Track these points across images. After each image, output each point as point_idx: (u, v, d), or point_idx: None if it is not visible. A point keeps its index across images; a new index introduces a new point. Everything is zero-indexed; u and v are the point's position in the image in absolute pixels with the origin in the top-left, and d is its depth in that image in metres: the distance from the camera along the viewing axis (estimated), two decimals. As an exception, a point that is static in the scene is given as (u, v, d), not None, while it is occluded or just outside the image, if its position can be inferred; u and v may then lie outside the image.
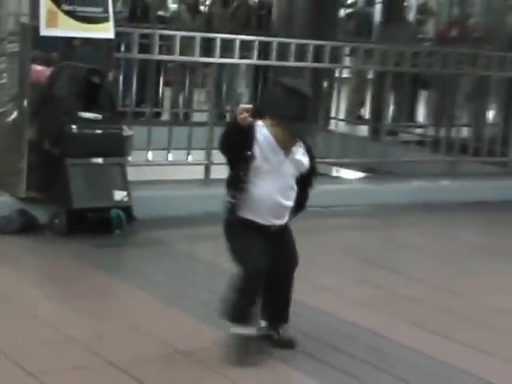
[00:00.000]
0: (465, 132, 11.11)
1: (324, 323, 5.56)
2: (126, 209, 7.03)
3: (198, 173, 8.50)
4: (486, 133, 11.12)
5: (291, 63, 9.11)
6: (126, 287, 6.06)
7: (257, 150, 4.83)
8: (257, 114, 4.85)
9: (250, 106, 4.80)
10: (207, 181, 8.48)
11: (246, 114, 4.69)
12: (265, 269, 4.81)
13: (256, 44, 8.87)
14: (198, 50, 8.44)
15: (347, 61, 11.20)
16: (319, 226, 8.11)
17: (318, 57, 9.26)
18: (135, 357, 4.77)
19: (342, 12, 15.09)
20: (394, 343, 5.29)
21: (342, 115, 13.04)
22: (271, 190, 4.90)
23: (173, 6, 14.73)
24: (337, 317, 5.65)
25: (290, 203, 4.99)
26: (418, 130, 12.84)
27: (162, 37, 8.47)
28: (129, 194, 7.09)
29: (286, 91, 4.89)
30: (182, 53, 8.51)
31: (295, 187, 5.01)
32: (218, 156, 8.45)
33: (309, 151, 5.05)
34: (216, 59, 8.68)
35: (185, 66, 11.32)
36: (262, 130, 4.85)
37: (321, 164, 10.10)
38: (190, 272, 6.58)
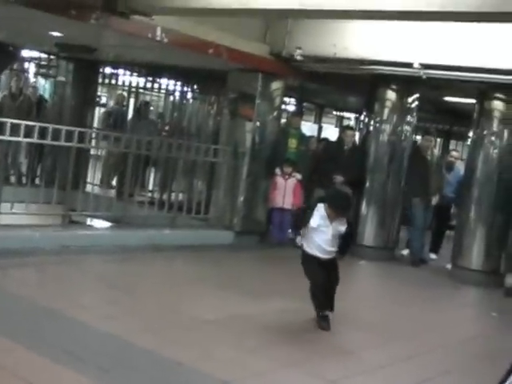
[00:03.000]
0: (181, 196, 11.27)
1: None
2: None
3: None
4: (195, 197, 11.32)
5: (61, 143, 8.94)
6: None
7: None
8: (320, 200, 6.51)
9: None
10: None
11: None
12: (323, 281, 6.48)
13: (36, 128, 8.65)
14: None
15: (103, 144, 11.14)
16: (77, 259, 7.99)
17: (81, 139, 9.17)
18: None
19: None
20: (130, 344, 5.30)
21: (96, 181, 12.97)
22: (321, 241, 6.42)
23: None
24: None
25: (333, 249, 6.49)
26: (149, 194, 12.89)
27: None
28: None
29: (340, 193, 6.99)
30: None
31: (337, 239, 6.46)
32: (5, 207, 8.24)
33: (348, 223, 6.53)
34: (5, 137, 8.37)
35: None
36: (321, 208, 6.34)
37: (79, 216, 10.12)
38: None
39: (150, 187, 13.48)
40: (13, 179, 11.28)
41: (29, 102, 13.10)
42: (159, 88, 14.43)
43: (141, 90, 14.56)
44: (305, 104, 16.58)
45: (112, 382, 4.47)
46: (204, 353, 5.33)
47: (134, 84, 14.23)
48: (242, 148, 10.89)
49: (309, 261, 6.52)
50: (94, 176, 12.88)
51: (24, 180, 12.21)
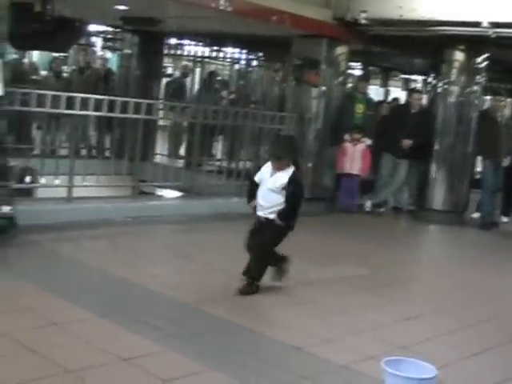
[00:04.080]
0: (248, 164, 11.29)
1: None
2: (10, 219, 6.81)
3: (63, 192, 8.28)
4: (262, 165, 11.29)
5: (130, 115, 9.04)
6: (8, 276, 5.77)
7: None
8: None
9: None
10: (70, 198, 8.28)
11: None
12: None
13: (105, 101, 8.77)
14: (64, 104, 8.28)
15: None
16: (147, 230, 8.10)
17: (148, 111, 9.24)
18: (24, 326, 4.61)
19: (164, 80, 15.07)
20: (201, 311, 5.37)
21: (165, 152, 13.08)
22: (259, 195, 5.83)
23: (43, 73, 14.33)
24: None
25: (267, 204, 5.81)
26: (217, 163, 12.94)
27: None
28: (12, 208, 6.86)
29: (276, 136, 6.68)
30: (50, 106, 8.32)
31: (279, 197, 5.74)
32: (78, 180, 8.41)
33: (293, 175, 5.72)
34: (75, 111, 8.51)
35: (52, 115, 11.03)
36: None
37: (149, 186, 10.25)
38: (55, 265, 6.42)
39: (218, 156, 13.54)
40: (83, 152, 11.48)
41: (96, 75, 13.29)
42: (224, 57, 14.44)
43: (206, 60, 14.57)
44: (370, 68, 16.36)
45: (182, 348, 4.55)
46: (271, 320, 5.36)
47: (198, 54, 14.25)
48: (308, 114, 10.84)
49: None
50: (162, 147, 12.99)
51: (94, 153, 12.42)
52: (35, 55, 13.40)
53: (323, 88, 10.82)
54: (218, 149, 13.72)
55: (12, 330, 4.49)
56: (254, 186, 5.92)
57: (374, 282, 6.97)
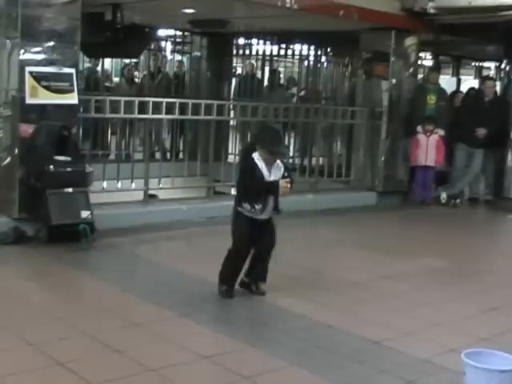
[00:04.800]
0: (321, 160, 11.27)
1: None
2: (90, 223, 6.96)
3: (139, 196, 8.45)
4: (335, 161, 11.30)
5: (201, 117, 9.16)
6: (91, 279, 6.02)
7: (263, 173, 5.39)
8: (252, 148, 5.51)
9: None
10: (145, 201, 8.45)
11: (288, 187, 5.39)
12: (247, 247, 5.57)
13: (177, 104, 8.90)
14: (136, 109, 8.44)
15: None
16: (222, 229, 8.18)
17: (219, 111, 9.34)
18: (107, 327, 4.75)
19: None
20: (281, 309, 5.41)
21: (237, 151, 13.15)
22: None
23: (115, 79, 14.63)
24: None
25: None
26: (290, 160, 12.92)
27: (110, 101, 8.44)
28: (91, 213, 7.02)
29: (265, 128, 6.00)
30: (124, 112, 8.50)
31: None
32: (153, 183, 8.56)
33: (285, 167, 5.55)
34: (148, 115, 8.66)
35: (125, 120, 11.25)
36: (257, 157, 5.38)
37: (224, 186, 10.34)
38: (134, 266, 6.57)
39: (291, 153, 13.55)
40: (158, 155, 11.66)
41: (167, 79, 13.47)
42: (292, 54, 14.44)
43: (275, 58, 14.59)
44: (441, 57, 16.10)
45: (262, 345, 4.59)
46: (351, 314, 5.36)
47: (267, 52, 14.28)
48: (379, 108, 10.77)
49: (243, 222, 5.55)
50: (234, 146, 13.07)
51: (168, 155, 12.59)
52: (107, 63, 13.65)
53: (393, 80, 10.73)
54: (290, 146, 13.71)
55: (96, 331, 4.62)
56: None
57: (454, 273, 6.88)
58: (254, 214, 5.48)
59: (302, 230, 8.72)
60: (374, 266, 6.94)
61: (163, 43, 14.31)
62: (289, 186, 5.44)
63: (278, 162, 5.53)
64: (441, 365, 4.41)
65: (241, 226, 5.52)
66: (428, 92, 10.96)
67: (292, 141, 13.55)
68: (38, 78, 6.94)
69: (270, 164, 5.43)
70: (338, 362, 4.41)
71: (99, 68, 13.25)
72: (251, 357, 4.44)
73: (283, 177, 5.49)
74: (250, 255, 5.61)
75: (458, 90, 13.82)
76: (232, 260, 5.55)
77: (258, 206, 5.44)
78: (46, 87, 6.97)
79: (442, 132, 10.68)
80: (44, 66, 7.04)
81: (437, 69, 12.64)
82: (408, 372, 4.29)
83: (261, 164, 5.40)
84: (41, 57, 7.06)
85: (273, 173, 5.44)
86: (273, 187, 5.41)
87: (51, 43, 7.11)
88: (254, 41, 13.99)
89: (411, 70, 11.04)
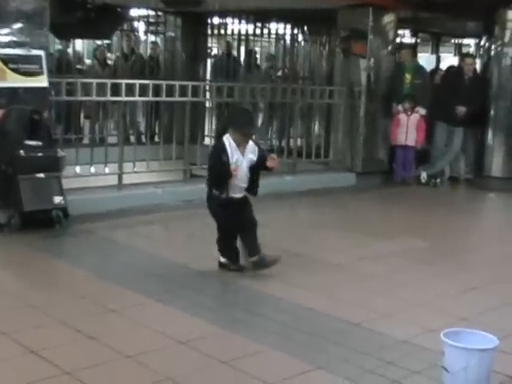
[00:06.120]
0: (299, 141, 11.26)
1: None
2: (63, 209, 6.96)
3: (113, 180, 8.42)
4: (314, 141, 11.33)
5: (176, 98, 9.12)
6: (66, 265, 6.00)
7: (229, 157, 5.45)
8: (223, 131, 5.57)
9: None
10: (120, 186, 8.43)
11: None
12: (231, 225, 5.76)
13: (150, 86, 8.86)
14: (108, 92, 8.39)
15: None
16: (200, 213, 8.19)
17: (194, 93, 9.30)
18: (82, 314, 4.74)
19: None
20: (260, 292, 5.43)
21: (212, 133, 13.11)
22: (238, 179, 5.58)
23: (87, 61, 14.51)
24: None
25: (245, 185, 5.69)
26: (268, 141, 12.90)
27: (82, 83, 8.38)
28: (64, 198, 6.99)
29: (237, 109, 6.23)
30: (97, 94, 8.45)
31: (248, 174, 5.65)
32: (128, 167, 8.53)
33: (259, 148, 5.70)
34: (121, 98, 8.62)
35: (98, 103, 11.18)
36: (227, 140, 5.46)
37: (201, 169, 10.31)
38: (110, 252, 6.55)
39: (269, 135, 13.54)
40: (132, 139, 11.61)
41: (141, 60, 13.39)
42: (269, 33, 14.39)
43: (251, 38, 14.52)
44: (420, 35, 16.13)
45: (240, 328, 4.61)
46: (329, 296, 5.39)
47: (243, 32, 14.22)
48: (358, 87, 10.78)
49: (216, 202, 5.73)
50: (210, 128, 13.04)
51: (143, 139, 12.55)
52: (79, 44, 13.55)
53: (372, 59, 10.73)
54: (268, 127, 13.70)
55: (71, 318, 4.61)
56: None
57: (434, 253, 6.94)
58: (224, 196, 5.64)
59: (281, 212, 8.74)
60: (354, 247, 6.97)
61: (136, 23, 14.22)
62: (275, 158, 5.70)
63: (251, 143, 5.57)
64: (420, 345, 4.45)
65: (215, 206, 5.74)
66: (404, 70, 10.97)
67: (270, 122, 13.55)
68: (5, 60, 6.89)
69: (241, 145, 5.51)
70: (318, 344, 4.44)
71: (70, 50, 13.12)
72: (229, 341, 4.46)
73: (260, 157, 5.59)
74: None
75: (438, 68, 13.87)
76: (221, 237, 5.84)
77: (222, 191, 5.61)
78: (14, 70, 6.92)
79: (422, 111, 10.72)
80: (12, 48, 6.98)
81: (409, 46, 12.64)
82: (388, 353, 4.32)
83: (231, 147, 5.48)
84: (8, 38, 7.01)
85: (246, 155, 5.53)
86: (227, 172, 5.48)
87: (19, 24, 7.06)
88: (230, 20, 13.93)
89: (390, 48, 11.04)
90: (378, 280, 5.90)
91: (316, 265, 6.24)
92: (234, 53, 14.57)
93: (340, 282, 5.81)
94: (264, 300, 5.26)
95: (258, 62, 15.56)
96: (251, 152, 5.61)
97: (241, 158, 5.57)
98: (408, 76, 10.94)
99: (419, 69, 11.39)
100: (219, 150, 5.55)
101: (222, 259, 5.87)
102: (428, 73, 11.84)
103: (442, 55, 17.68)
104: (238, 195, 5.73)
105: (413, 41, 15.49)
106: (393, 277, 6.03)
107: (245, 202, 5.80)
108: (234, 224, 5.74)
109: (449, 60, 17.13)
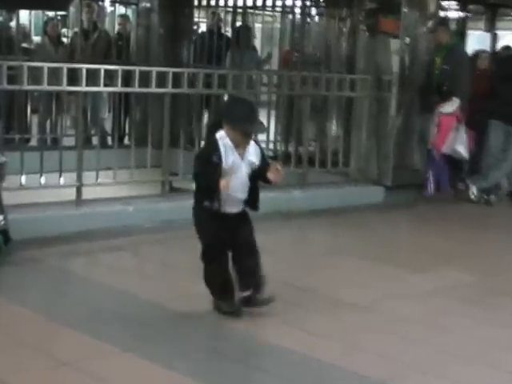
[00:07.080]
0: (311, 146, 11.29)
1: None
2: (3, 231, 6.98)
3: (71, 194, 8.47)
4: (330, 146, 11.38)
5: (153, 89, 9.15)
6: (6, 303, 5.98)
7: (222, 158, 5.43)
8: (217, 126, 5.54)
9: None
10: (79, 201, 8.48)
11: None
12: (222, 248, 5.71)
13: (119, 72, 8.89)
14: (64, 79, 8.44)
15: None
16: (182, 236, 8.22)
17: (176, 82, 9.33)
18: (24, 368, 4.75)
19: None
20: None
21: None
22: (237, 187, 5.50)
23: (36, 39, 14.57)
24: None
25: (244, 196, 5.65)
26: (270, 146, 12.96)
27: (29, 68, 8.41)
28: (5, 218, 7.04)
29: (236, 101, 5.98)
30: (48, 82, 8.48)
31: (248, 183, 5.62)
32: (89, 178, 8.57)
33: (261, 149, 5.70)
34: (82, 88, 8.68)
35: (50, 94, 11.25)
36: (222, 138, 5.46)
37: (183, 181, 10.35)
38: (64, 286, 6.59)
39: (272, 137, 13.57)
40: (95, 140, 11.68)
41: (106, 38, 13.43)
42: (273, 5, 14.43)
43: (250, 11, 14.57)
44: (470, 7, 16.20)
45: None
46: (348, 345, 5.43)
47: (239, 3, 14.25)
48: (388, 75, 10.84)
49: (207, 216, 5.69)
50: (198, 129, 13.06)
51: (109, 140, 12.59)
52: (24, 16, 13.58)
53: (406, 39, 10.80)
54: (271, 128, 13.76)
55: (11, 373, 4.63)
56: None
57: (484, 291, 6.97)
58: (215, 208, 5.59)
59: (288, 236, 8.79)
60: (378, 281, 7.00)
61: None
62: (279, 168, 5.64)
63: (253, 143, 5.62)
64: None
65: (205, 221, 5.69)
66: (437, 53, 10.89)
67: (273, 120, 13.62)
68: None
69: (240, 147, 5.53)
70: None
71: (13, 23, 13.18)
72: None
73: (262, 161, 5.63)
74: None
75: (482, 50, 13.85)
76: (208, 267, 5.71)
77: (213, 201, 5.54)
78: None
79: (455, 103, 10.57)
80: None
81: (443, 23, 12.61)
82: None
83: (225, 147, 5.49)
84: None
85: (245, 158, 5.55)
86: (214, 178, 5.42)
87: None
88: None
89: (430, 24, 11.08)
90: (411, 325, 5.94)
91: (330, 304, 6.28)
92: (228, 30, 14.56)
93: (360, 328, 5.84)
94: (264, 349, 5.31)
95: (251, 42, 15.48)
96: (252, 154, 5.61)
97: (238, 161, 5.55)
98: (438, 60, 10.84)
99: (452, 50, 11.08)
100: (209, 149, 5.58)
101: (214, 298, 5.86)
102: (465, 55, 11.63)
103: (500, 33, 17.71)
104: (235, 210, 5.69)
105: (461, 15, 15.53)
106: (430, 321, 6.07)
107: (243, 218, 5.77)
108: (226, 246, 5.71)
109: (508, 38, 17.16)
